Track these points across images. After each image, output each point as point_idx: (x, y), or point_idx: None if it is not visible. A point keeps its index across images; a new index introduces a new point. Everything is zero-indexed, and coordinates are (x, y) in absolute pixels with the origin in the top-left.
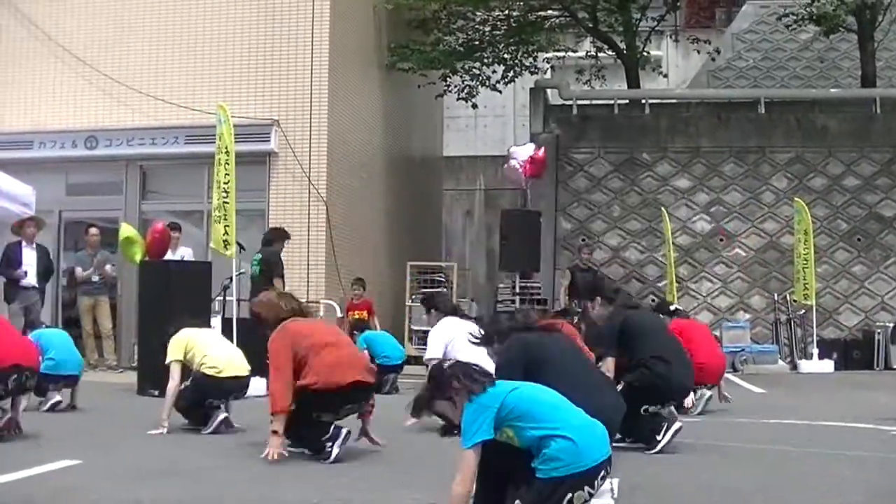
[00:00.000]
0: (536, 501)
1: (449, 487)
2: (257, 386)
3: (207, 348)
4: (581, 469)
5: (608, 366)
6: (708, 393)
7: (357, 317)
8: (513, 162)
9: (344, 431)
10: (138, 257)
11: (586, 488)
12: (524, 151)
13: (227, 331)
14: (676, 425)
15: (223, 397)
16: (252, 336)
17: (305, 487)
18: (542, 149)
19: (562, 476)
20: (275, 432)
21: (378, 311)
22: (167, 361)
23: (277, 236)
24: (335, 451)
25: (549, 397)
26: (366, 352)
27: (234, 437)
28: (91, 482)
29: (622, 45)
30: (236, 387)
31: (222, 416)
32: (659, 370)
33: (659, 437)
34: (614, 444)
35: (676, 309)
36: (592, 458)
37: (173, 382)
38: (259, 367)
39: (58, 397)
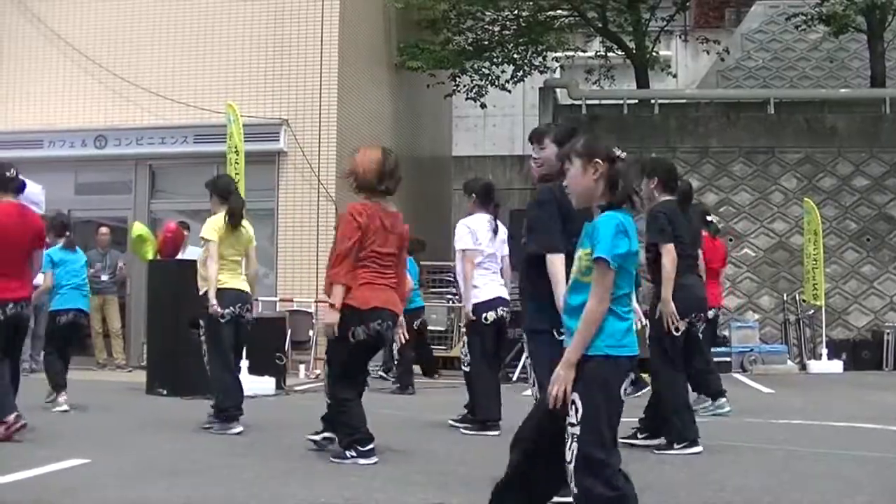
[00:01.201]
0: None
1: (454, 488)
2: (262, 385)
3: None
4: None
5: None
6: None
7: None
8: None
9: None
10: (150, 256)
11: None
12: None
13: None
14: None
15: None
16: (256, 336)
17: (314, 486)
18: None
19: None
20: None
21: None
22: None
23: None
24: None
25: None
26: None
27: (242, 435)
28: (99, 481)
29: (631, 45)
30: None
31: (237, 429)
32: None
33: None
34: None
35: (710, 221)
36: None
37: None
38: (261, 366)
39: (65, 406)
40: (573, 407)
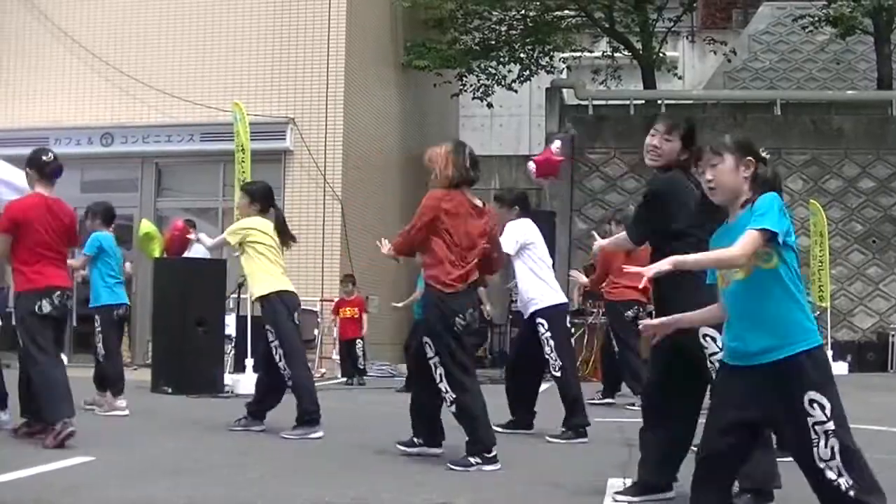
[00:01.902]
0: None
1: (459, 487)
2: None
3: None
4: None
5: None
6: None
7: (349, 315)
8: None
9: None
10: (157, 253)
11: None
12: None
13: (241, 328)
14: None
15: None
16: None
17: (318, 485)
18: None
19: None
20: None
21: (391, 309)
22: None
23: None
24: None
25: None
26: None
27: (246, 434)
28: (104, 479)
29: (638, 46)
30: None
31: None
32: None
33: None
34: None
35: None
36: None
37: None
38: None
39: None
40: (816, 405)
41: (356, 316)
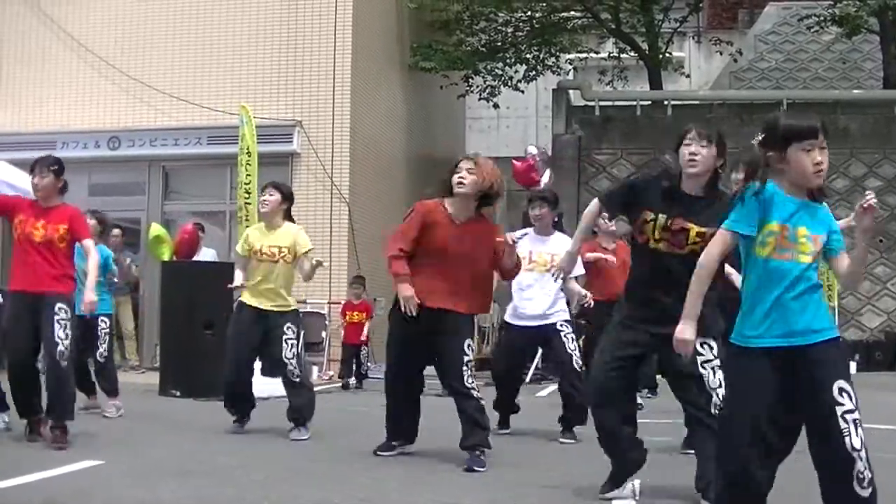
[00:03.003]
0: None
1: (465, 488)
2: (275, 387)
3: None
4: None
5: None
6: None
7: (356, 319)
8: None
9: None
10: (166, 257)
11: None
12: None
13: None
14: None
15: None
16: None
17: (326, 487)
18: (536, 157)
19: None
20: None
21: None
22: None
23: None
24: None
25: None
26: None
27: (254, 437)
28: (112, 482)
29: (644, 47)
30: None
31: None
32: None
33: None
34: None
35: None
36: None
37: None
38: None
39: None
40: (845, 394)
41: (363, 321)
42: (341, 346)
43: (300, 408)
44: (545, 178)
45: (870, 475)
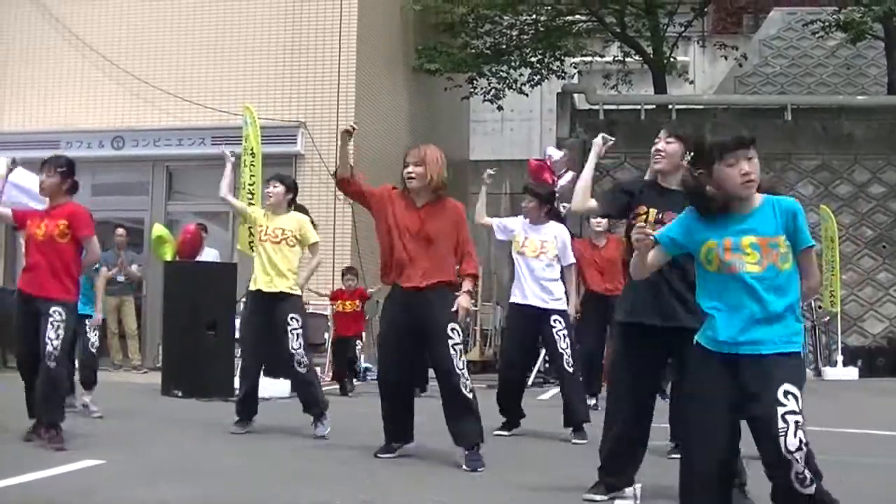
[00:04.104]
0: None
1: (467, 488)
2: (278, 388)
3: None
4: None
5: None
6: None
7: (349, 309)
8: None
9: None
10: (168, 257)
11: None
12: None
13: None
14: None
15: None
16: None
17: (328, 488)
18: (553, 160)
19: None
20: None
21: None
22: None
23: None
24: None
25: None
26: None
27: (255, 437)
28: (114, 482)
29: (649, 51)
30: None
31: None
32: None
33: None
34: None
35: None
36: None
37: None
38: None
39: None
40: (790, 397)
41: (357, 309)
42: (333, 340)
43: (316, 401)
44: (565, 179)
45: (809, 475)
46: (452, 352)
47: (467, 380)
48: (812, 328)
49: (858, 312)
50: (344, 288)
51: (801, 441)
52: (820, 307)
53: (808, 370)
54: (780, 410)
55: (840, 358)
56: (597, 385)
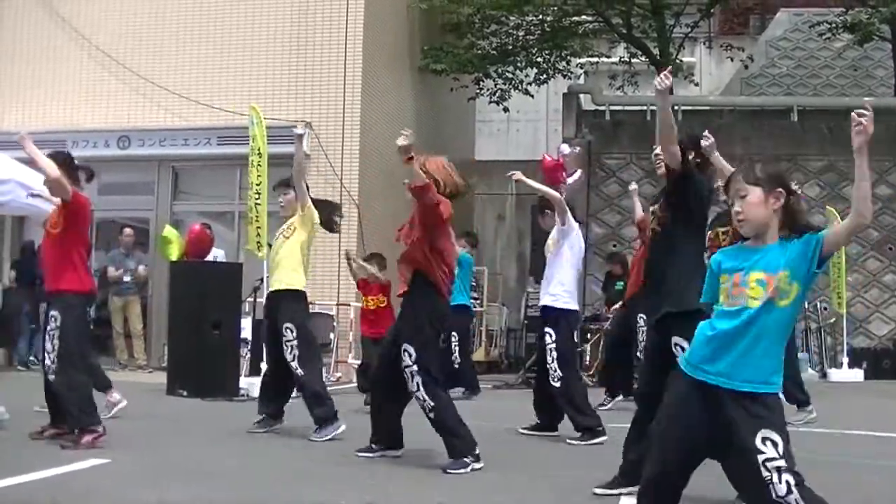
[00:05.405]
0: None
1: (469, 488)
2: None
3: None
4: None
5: None
6: None
7: (372, 306)
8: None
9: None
10: (174, 256)
11: None
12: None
13: (257, 332)
14: None
15: None
16: None
17: (331, 489)
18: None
19: None
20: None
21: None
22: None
23: None
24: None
25: None
26: None
27: (259, 437)
28: (118, 481)
29: (655, 52)
30: None
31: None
32: None
33: None
34: None
35: None
36: None
37: None
38: None
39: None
40: (769, 443)
41: (381, 306)
42: (360, 344)
43: (309, 408)
44: (574, 177)
45: None
46: (406, 374)
47: (424, 400)
48: (818, 330)
49: (864, 314)
50: (370, 280)
51: (788, 485)
52: (825, 309)
53: (813, 372)
54: (760, 458)
55: (845, 360)
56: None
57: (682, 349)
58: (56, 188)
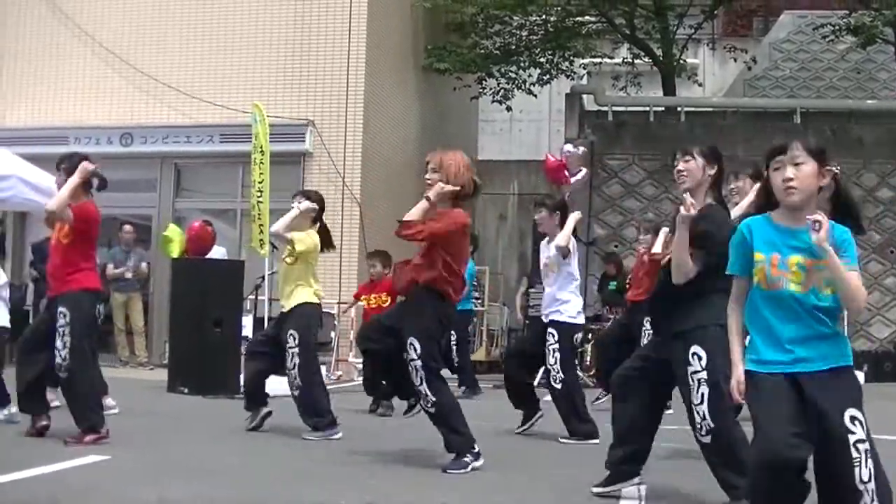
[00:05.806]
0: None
1: (469, 488)
2: (282, 387)
3: None
4: None
5: None
6: None
7: (374, 304)
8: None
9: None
10: (175, 254)
11: None
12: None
13: (258, 330)
14: None
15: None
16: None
17: (332, 489)
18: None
19: None
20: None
21: None
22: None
23: None
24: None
25: None
26: None
27: (260, 436)
28: (118, 478)
29: (659, 53)
30: None
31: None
32: None
33: None
34: None
35: None
36: None
37: None
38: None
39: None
40: (855, 423)
41: (384, 305)
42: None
43: (303, 417)
44: (579, 176)
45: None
46: (410, 368)
47: (426, 395)
48: None
49: (865, 317)
50: (374, 279)
51: (870, 472)
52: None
53: None
54: (851, 439)
55: None
56: None
57: (700, 358)
58: (55, 219)
